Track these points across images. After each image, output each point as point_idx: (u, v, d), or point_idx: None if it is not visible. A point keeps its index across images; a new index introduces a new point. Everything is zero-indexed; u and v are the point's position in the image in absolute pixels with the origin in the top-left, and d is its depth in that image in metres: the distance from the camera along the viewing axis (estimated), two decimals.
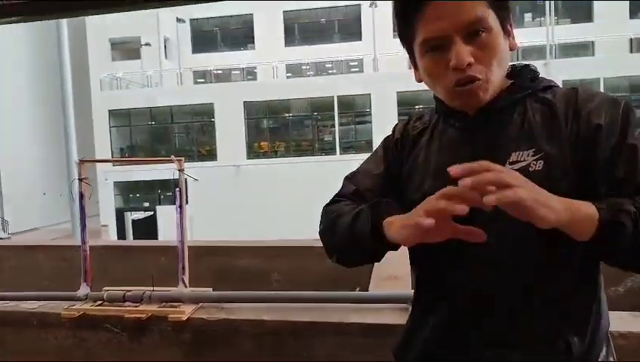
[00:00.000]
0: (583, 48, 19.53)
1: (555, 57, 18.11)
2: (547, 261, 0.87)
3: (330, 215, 1.05)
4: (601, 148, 0.85)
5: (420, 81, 0.99)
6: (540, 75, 0.96)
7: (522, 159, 0.88)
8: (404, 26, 0.92)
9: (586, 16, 19.56)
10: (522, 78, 0.95)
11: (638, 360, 1.33)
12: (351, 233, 0.97)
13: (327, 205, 1.10)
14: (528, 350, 0.88)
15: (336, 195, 1.11)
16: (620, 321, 1.36)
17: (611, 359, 0.94)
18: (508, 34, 0.92)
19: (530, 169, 0.86)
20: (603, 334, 0.92)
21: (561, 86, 0.96)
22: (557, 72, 16.94)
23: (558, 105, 0.90)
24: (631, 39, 18.46)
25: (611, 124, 0.85)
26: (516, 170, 0.86)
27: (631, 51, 18.64)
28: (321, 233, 1.07)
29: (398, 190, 1.04)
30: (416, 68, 0.98)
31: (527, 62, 0.98)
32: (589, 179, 0.85)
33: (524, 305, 0.88)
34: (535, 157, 0.87)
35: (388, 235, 0.90)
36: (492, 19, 0.88)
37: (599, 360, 0.90)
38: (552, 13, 18.74)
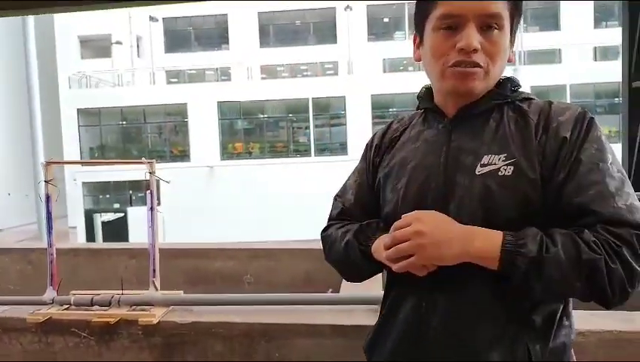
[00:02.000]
0: (551, 55, 20.14)
1: (524, 64, 18.62)
2: None
3: (326, 243, 1.13)
4: (560, 161, 0.88)
5: (418, 59, 1.02)
6: (521, 88, 1.00)
7: (493, 163, 0.91)
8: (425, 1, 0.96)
9: (554, 24, 20.19)
10: (504, 87, 0.99)
11: (596, 361, 1.39)
12: (347, 261, 1.07)
13: (322, 231, 1.16)
14: (488, 353, 0.89)
15: (329, 218, 1.18)
16: (579, 320, 1.43)
17: None
18: (511, 45, 0.97)
19: (499, 173, 0.90)
20: (567, 344, 0.93)
21: (532, 94, 1.00)
22: (526, 78, 17.44)
23: (531, 116, 0.94)
24: (595, 48, 19.13)
25: (573, 138, 0.89)
26: (486, 172, 0.91)
27: (595, 59, 19.32)
28: (325, 259, 1.15)
29: (378, 192, 1.08)
30: (418, 46, 1.01)
31: (510, 76, 1.02)
32: (552, 190, 0.88)
33: (487, 306, 0.90)
34: (506, 163, 0.90)
35: (380, 260, 0.98)
36: (506, 22, 0.93)
37: None
38: (522, 21, 19.24)
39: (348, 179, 1.18)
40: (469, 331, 0.91)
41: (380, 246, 0.96)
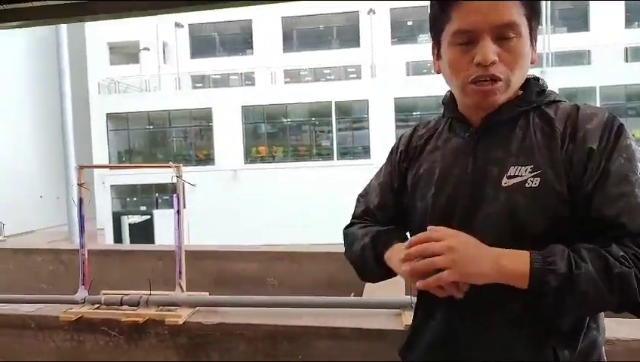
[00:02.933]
0: (580, 57, 19.68)
1: (552, 66, 18.24)
2: None
3: (347, 240, 1.15)
4: (589, 172, 0.86)
5: (438, 72, 1.01)
6: (548, 89, 0.98)
7: (520, 174, 0.90)
8: (440, 13, 0.94)
9: (583, 25, 19.73)
10: (529, 91, 0.96)
11: None
12: (362, 263, 1.08)
13: (345, 228, 1.18)
14: (516, 357, 0.90)
15: (352, 217, 1.20)
16: (607, 329, 1.40)
17: None
18: (532, 47, 0.94)
19: (526, 185, 0.89)
20: (597, 348, 0.92)
21: (559, 96, 0.97)
22: (553, 80, 17.08)
23: (557, 124, 0.91)
24: (626, 48, 18.61)
25: (601, 148, 0.86)
26: (513, 184, 0.90)
27: (626, 60, 18.79)
28: (344, 255, 1.17)
29: (405, 199, 1.09)
30: (438, 58, 0.99)
31: (536, 76, 0.99)
32: (580, 201, 0.87)
33: (515, 313, 0.90)
34: (532, 174, 0.89)
35: (392, 268, 0.99)
36: (524, 27, 0.90)
37: None
38: (549, 21, 18.89)
39: (372, 180, 1.19)
40: (497, 336, 0.92)
41: (394, 256, 0.98)
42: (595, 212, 0.85)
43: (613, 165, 0.85)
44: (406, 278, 0.92)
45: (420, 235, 0.87)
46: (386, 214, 1.13)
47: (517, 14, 0.89)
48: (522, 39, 0.90)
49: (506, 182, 0.91)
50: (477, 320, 0.93)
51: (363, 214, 1.17)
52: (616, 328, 1.43)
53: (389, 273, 1.04)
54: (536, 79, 0.99)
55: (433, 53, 1.01)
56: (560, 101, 0.96)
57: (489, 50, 0.88)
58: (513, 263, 0.83)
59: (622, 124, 0.88)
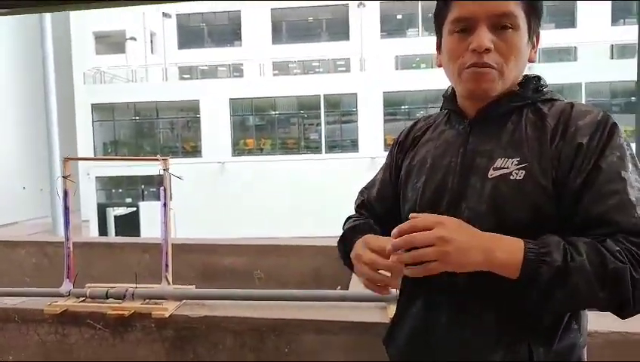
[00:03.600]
0: (566, 53, 19.88)
1: (539, 61, 18.40)
2: None
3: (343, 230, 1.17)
4: (576, 167, 0.86)
5: (440, 65, 1.03)
6: (547, 88, 0.99)
7: (505, 166, 0.91)
8: (442, 5, 0.97)
9: (570, 22, 19.92)
10: (525, 87, 0.98)
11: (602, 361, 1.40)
12: (340, 253, 1.13)
13: (345, 220, 1.21)
14: (490, 353, 0.90)
15: (355, 208, 1.23)
16: (588, 321, 1.43)
17: None
18: (532, 45, 0.96)
19: (511, 177, 0.90)
20: (577, 348, 0.92)
21: (557, 94, 0.98)
22: (540, 75, 17.23)
23: (549, 119, 0.92)
24: (612, 45, 18.84)
25: (592, 145, 0.86)
26: (498, 175, 0.91)
27: (612, 57, 19.03)
28: None
29: (399, 189, 1.11)
30: (439, 51, 1.02)
31: (538, 75, 1.00)
32: (567, 197, 0.87)
33: (491, 307, 0.90)
34: (518, 167, 0.90)
35: (353, 260, 1.02)
36: (521, 21, 0.92)
37: None
38: None
39: (376, 174, 1.22)
40: (472, 330, 0.92)
41: (354, 256, 1.01)
42: (585, 207, 0.85)
43: (604, 162, 0.85)
44: (389, 270, 0.92)
45: (404, 225, 0.84)
46: (385, 205, 1.15)
47: (515, 7, 0.91)
48: (519, 32, 0.92)
49: (492, 173, 0.92)
50: (453, 310, 0.94)
51: (359, 208, 1.21)
52: (596, 320, 1.46)
53: None
54: (537, 78, 1.00)
55: (437, 48, 1.03)
56: (557, 99, 0.97)
57: (484, 37, 0.90)
58: (506, 254, 0.82)
59: (615, 123, 0.89)
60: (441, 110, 1.11)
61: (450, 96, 1.06)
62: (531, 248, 0.81)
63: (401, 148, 1.15)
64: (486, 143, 0.96)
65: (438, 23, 1.00)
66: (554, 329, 0.90)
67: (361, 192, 1.23)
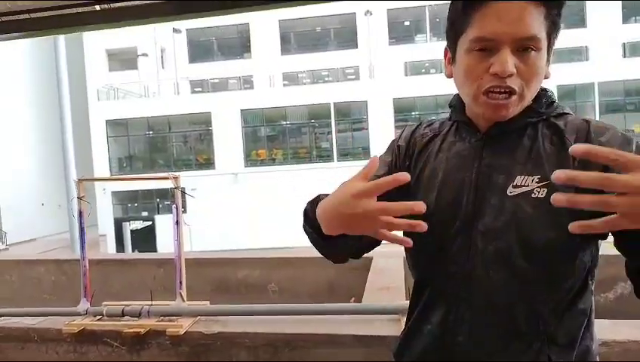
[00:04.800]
0: (577, 53, 19.68)
1: (550, 62, 18.24)
2: (538, 283, 0.88)
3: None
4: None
5: (449, 76, 0.99)
6: (556, 102, 0.97)
7: (526, 184, 0.88)
8: (460, 16, 0.91)
9: (580, 21, 19.73)
10: (539, 102, 0.95)
11: None
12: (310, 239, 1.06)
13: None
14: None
15: None
16: (603, 329, 1.42)
17: None
18: (548, 62, 0.92)
19: (532, 195, 0.87)
20: (591, 356, 0.92)
21: (567, 109, 0.97)
22: (552, 76, 17.05)
23: (567, 135, 0.90)
24: (624, 44, 18.62)
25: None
26: (518, 193, 0.88)
27: (624, 56, 18.79)
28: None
29: (402, 195, 1.02)
30: (450, 62, 0.97)
31: (545, 88, 0.98)
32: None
33: (513, 322, 0.89)
34: (539, 185, 0.87)
35: (323, 222, 0.91)
36: (543, 42, 0.88)
37: None
38: None
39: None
40: (493, 346, 0.91)
41: (325, 201, 0.90)
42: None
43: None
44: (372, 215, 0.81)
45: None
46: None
47: (540, 29, 0.87)
48: (540, 53, 0.88)
49: (511, 191, 0.89)
50: (474, 330, 0.92)
51: None
52: (613, 329, 1.44)
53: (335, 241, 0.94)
54: (545, 90, 0.98)
55: (446, 57, 0.99)
56: (569, 114, 0.96)
57: (508, 61, 0.86)
58: None
59: (633, 138, 0.87)
60: (449, 119, 1.07)
61: (457, 106, 1.02)
62: None
63: (404, 155, 1.09)
64: (502, 158, 0.93)
65: (453, 33, 0.94)
66: (572, 342, 0.89)
67: None
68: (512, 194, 0.89)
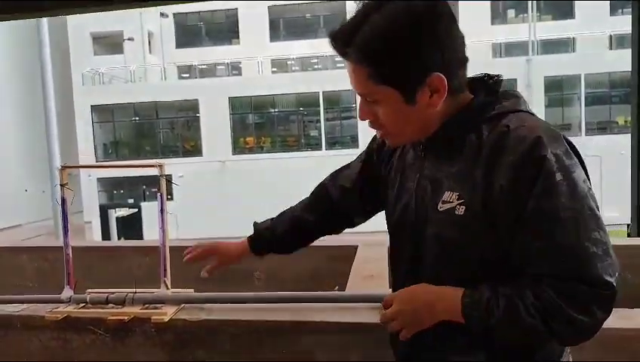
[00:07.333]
0: (565, 45, 19.82)
1: (537, 53, 18.36)
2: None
3: None
4: (510, 204, 0.84)
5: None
6: (502, 100, 0.93)
7: (451, 200, 0.91)
8: None
9: (568, 13, 19.84)
10: (469, 109, 0.93)
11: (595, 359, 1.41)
12: None
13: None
14: (452, 354, 0.97)
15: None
16: None
17: None
18: (425, 97, 0.89)
19: (455, 212, 0.90)
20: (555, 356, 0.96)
21: (506, 107, 0.93)
22: (539, 68, 17.20)
23: (485, 148, 0.89)
24: (611, 36, 18.78)
25: (520, 184, 0.83)
26: (445, 210, 0.91)
27: (610, 48, 18.97)
28: None
29: (378, 184, 1.18)
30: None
31: (489, 75, 0.96)
32: (504, 234, 0.87)
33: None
34: (459, 202, 0.90)
35: None
36: (380, 95, 0.91)
37: None
38: (535, 9, 18.97)
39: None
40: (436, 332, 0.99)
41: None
42: (516, 246, 0.86)
43: (533, 200, 0.82)
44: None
45: (385, 300, 1.03)
46: (344, 182, 1.31)
47: (366, 86, 0.92)
48: (383, 103, 0.92)
49: (441, 206, 0.93)
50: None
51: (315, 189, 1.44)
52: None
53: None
54: (489, 79, 0.96)
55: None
56: (509, 112, 0.91)
57: (360, 109, 0.97)
58: (449, 315, 0.92)
59: (545, 156, 0.82)
60: None
61: None
62: (467, 302, 0.89)
63: (379, 156, 1.19)
64: (436, 172, 0.96)
65: None
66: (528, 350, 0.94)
67: (327, 177, 1.38)
68: (441, 209, 0.93)
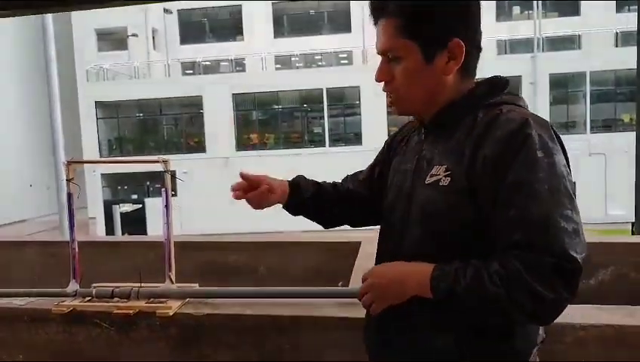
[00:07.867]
0: (570, 42, 19.69)
1: (543, 50, 18.26)
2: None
3: None
4: (489, 178, 0.89)
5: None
6: (504, 93, 0.99)
7: (438, 173, 0.97)
8: None
9: (573, 10, 19.71)
10: (471, 94, 1.00)
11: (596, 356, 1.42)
12: None
13: None
14: (416, 340, 1.01)
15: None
16: (582, 314, 1.46)
17: None
18: (442, 60, 0.96)
19: (440, 183, 0.95)
20: (521, 354, 0.97)
21: (508, 99, 0.99)
22: (544, 65, 17.11)
23: (478, 127, 0.94)
24: (616, 33, 18.65)
25: (503, 159, 0.88)
26: (432, 182, 0.97)
27: (616, 45, 18.84)
28: None
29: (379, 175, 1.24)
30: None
31: (497, 76, 1.01)
32: (484, 206, 0.91)
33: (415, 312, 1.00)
34: (445, 173, 0.95)
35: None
36: (403, 50, 0.98)
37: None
38: (540, 6, 18.86)
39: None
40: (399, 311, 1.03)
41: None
42: (493, 218, 0.89)
43: (512, 174, 0.87)
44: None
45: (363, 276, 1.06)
46: (358, 176, 1.32)
47: (392, 41, 0.99)
48: (404, 61, 0.99)
49: (428, 180, 0.98)
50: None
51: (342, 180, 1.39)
52: (591, 312, 1.48)
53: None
54: (490, 83, 1.02)
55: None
56: (505, 103, 0.97)
57: (379, 69, 1.03)
58: (419, 288, 0.94)
59: (530, 134, 0.88)
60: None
61: None
62: (436, 274, 0.91)
63: (388, 149, 1.24)
64: (431, 151, 1.02)
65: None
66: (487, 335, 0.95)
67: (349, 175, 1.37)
68: (428, 183, 0.98)
